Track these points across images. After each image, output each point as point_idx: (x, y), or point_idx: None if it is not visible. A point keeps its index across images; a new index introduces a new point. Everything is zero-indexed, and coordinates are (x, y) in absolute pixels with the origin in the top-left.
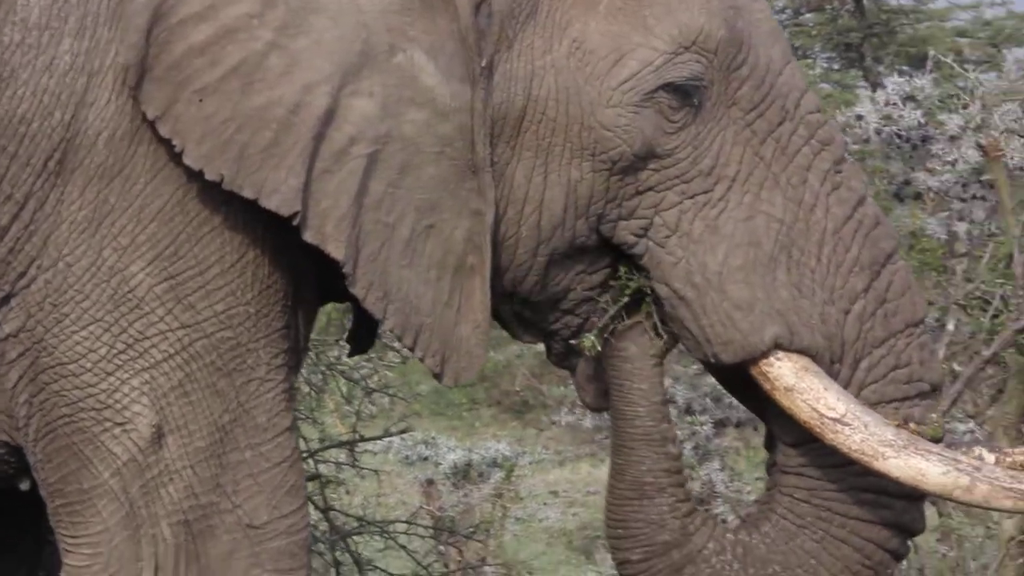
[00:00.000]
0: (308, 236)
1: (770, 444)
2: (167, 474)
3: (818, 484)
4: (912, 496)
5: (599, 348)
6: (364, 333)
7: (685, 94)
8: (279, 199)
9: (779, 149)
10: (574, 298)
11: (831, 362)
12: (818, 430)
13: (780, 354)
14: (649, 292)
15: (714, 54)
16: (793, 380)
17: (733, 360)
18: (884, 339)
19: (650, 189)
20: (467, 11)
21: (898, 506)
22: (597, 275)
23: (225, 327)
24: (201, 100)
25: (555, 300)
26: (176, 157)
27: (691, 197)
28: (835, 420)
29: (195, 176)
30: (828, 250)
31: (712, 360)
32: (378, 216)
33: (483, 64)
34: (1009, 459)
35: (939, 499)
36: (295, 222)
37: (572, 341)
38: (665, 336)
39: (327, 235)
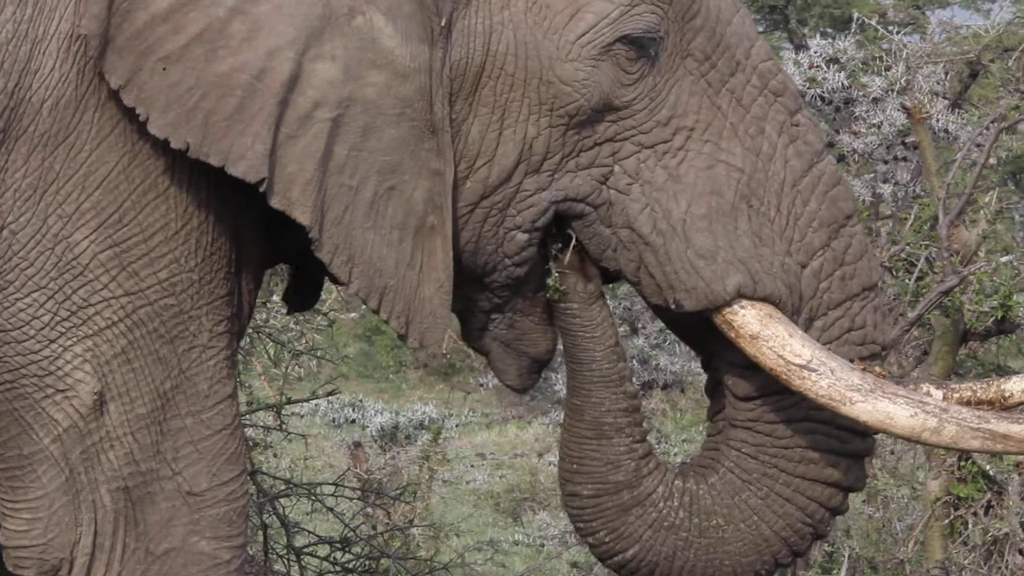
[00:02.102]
0: (274, 202)
1: (712, 391)
2: (108, 440)
3: (767, 440)
4: (857, 454)
5: (561, 288)
6: (307, 291)
7: (641, 46)
8: (245, 166)
9: (734, 100)
10: (500, 269)
11: (792, 312)
12: (784, 377)
13: (744, 302)
14: (576, 241)
15: (669, 5)
16: (758, 327)
17: (696, 307)
18: (841, 302)
19: (608, 140)
20: None
21: (843, 464)
22: (527, 251)
23: (168, 294)
24: (165, 68)
25: (483, 265)
26: (121, 124)
27: (650, 147)
28: (801, 366)
29: (140, 143)
30: (787, 202)
31: (673, 306)
32: (342, 180)
33: (442, 23)
34: (956, 395)
35: (908, 442)
36: (262, 188)
37: (494, 316)
38: (597, 276)
39: (293, 200)
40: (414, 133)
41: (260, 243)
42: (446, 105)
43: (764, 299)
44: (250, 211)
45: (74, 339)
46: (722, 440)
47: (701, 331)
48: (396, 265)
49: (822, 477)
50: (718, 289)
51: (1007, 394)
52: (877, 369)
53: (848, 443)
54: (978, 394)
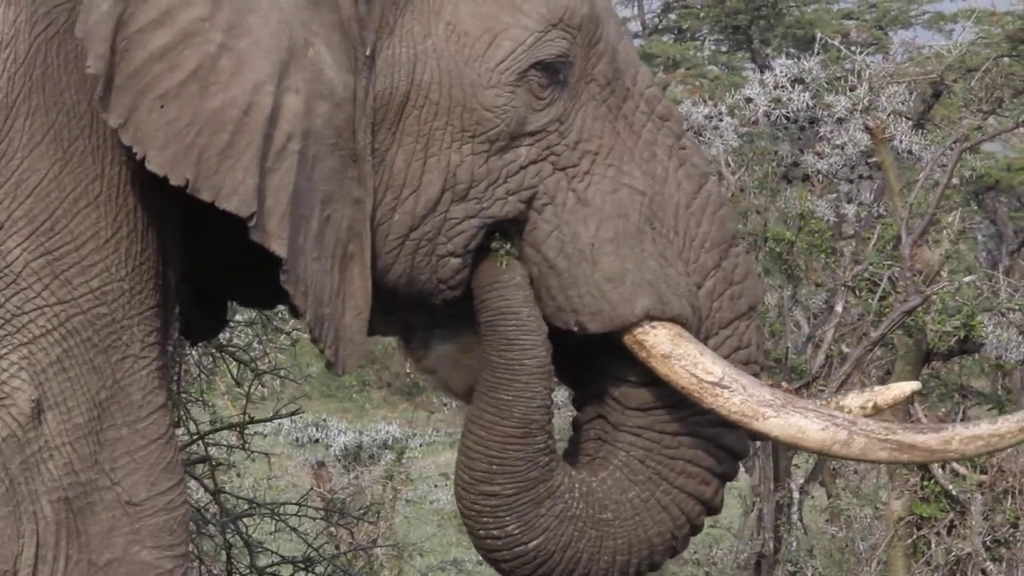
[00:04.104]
0: (254, 235)
1: (582, 404)
2: (47, 450)
3: (654, 447)
4: (725, 476)
5: (515, 253)
6: (213, 316)
7: (554, 71)
8: (238, 200)
9: (627, 125)
10: (437, 294)
11: (695, 332)
12: (697, 395)
13: (655, 323)
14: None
15: (578, 30)
16: (669, 347)
17: (601, 330)
18: (730, 321)
19: (531, 163)
20: (347, 1)
21: (714, 484)
22: (462, 273)
23: (101, 303)
24: (163, 106)
25: (419, 292)
26: (52, 132)
27: (562, 169)
28: (713, 384)
29: (71, 151)
30: (683, 224)
31: (575, 328)
32: (300, 211)
33: (367, 53)
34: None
35: (820, 455)
36: (251, 223)
37: (436, 331)
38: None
39: (271, 233)
40: (342, 162)
41: (180, 255)
42: (368, 134)
43: (672, 319)
44: (174, 222)
45: (9, 347)
46: (610, 440)
47: (591, 350)
48: (330, 294)
49: (696, 493)
50: (625, 312)
51: (845, 410)
52: (784, 385)
53: (723, 463)
54: None
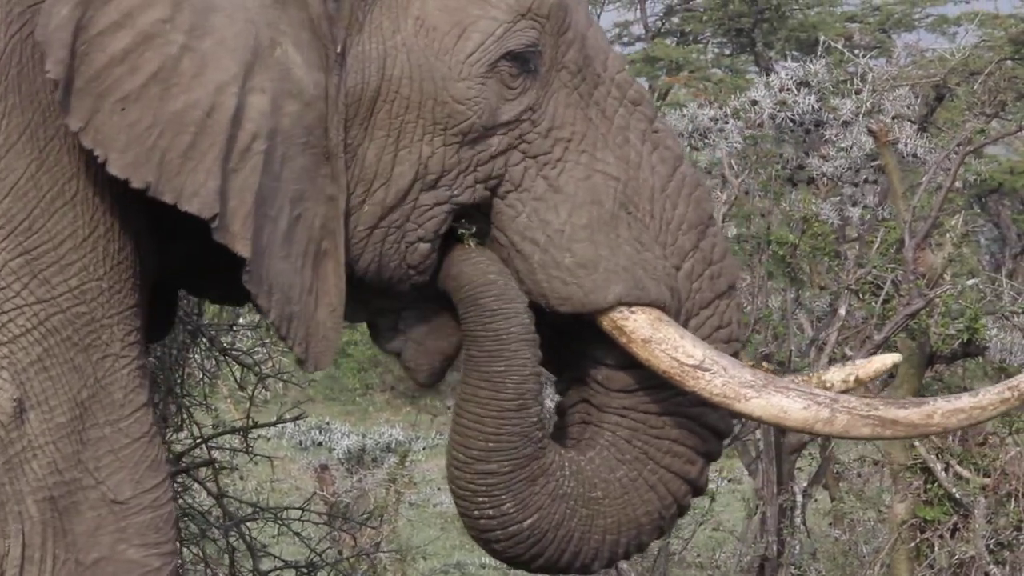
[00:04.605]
0: (217, 236)
1: (566, 388)
2: (31, 450)
3: (640, 427)
4: (710, 455)
5: (477, 239)
6: (164, 316)
7: (524, 61)
8: (200, 202)
9: (599, 111)
10: (406, 279)
11: (675, 315)
12: (678, 378)
13: (634, 307)
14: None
15: (547, 19)
16: (650, 331)
17: (571, 313)
18: (711, 300)
19: (503, 152)
20: None
21: (699, 464)
22: (431, 258)
23: (80, 302)
24: (124, 109)
25: (388, 279)
26: (28, 131)
27: (533, 157)
28: (694, 367)
29: (47, 150)
30: (659, 208)
31: (547, 310)
32: (266, 211)
33: (338, 51)
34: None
35: (803, 433)
36: (214, 224)
37: (405, 314)
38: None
39: (235, 234)
40: (314, 160)
41: (154, 256)
42: (341, 131)
43: (651, 304)
44: (144, 222)
45: None
46: (595, 421)
47: (572, 334)
48: (300, 292)
49: (683, 473)
50: (597, 298)
51: (828, 384)
52: (764, 365)
53: (707, 442)
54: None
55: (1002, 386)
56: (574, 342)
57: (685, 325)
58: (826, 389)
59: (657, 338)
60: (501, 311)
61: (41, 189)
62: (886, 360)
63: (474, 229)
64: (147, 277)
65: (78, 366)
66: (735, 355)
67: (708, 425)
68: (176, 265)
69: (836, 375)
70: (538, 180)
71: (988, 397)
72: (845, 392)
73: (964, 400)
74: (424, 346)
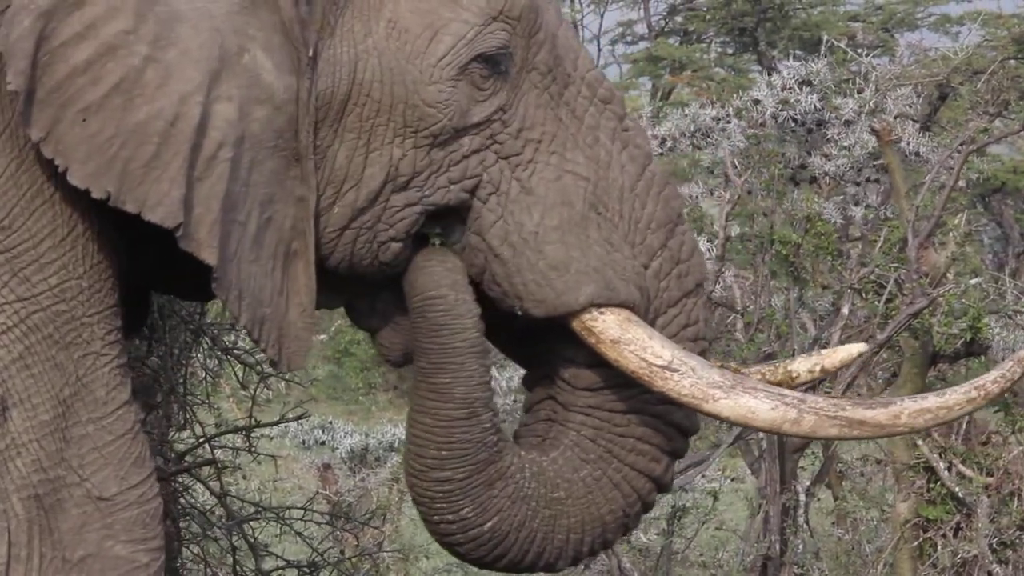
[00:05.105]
0: (183, 244)
1: (534, 384)
2: (15, 448)
3: (604, 425)
4: (675, 453)
5: (452, 241)
6: (138, 316)
7: (495, 63)
8: (163, 212)
9: (570, 111)
10: (379, 275)
11: (644, 314)
12: (647, 379)
13: (603, 308)
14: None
15: (518, 21)
16: (618, 332)
17: (545, 315)
18: (679, 299)
19: (474, 152)
20: (288, 3)
21: (664, 461)
22: (403, 255)
23: (60, 300)
24: (85, 119)
25: (360, 275)
26: (7, 130)
27: (506, 158)
28: (663, 367)
29: (27, 149)
30: (628, 207)
31: (519, 312)
32: (235, 216)
33: (309, 54)
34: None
35: (769, 434)
36: (179, 233)
37: (380, 296)
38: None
39: (201, 242)
40: (284, 163)
41: (127, 257)
42: (311, 133)
43: (620, 305)
44: (119, 225)
45: None
46: (561, 420)
47: (540, 332)
48: (271, 294)
49: (647, 470)
50: (569, 300)
51: (794, 375)
52: (733, 365)
53: (672, 440)
54: (767, 376)
55: (968, 386)
56: (543, 339)
57: (653, 323)
58: (792, 379)
59: (626, 339)
60: (447, 326)
61: (21, 188)
62: (851, 350)
63: (438, 230)
64: (123, 277)
65: (60, 364)
66: (702, 353)
67: (673, 423)
68: (148, 267)
69: (802, 365)
70: (512, 182)
71: (955, 397)
72: (816, 382)
73: (931, 400)
74: (399, 326)
